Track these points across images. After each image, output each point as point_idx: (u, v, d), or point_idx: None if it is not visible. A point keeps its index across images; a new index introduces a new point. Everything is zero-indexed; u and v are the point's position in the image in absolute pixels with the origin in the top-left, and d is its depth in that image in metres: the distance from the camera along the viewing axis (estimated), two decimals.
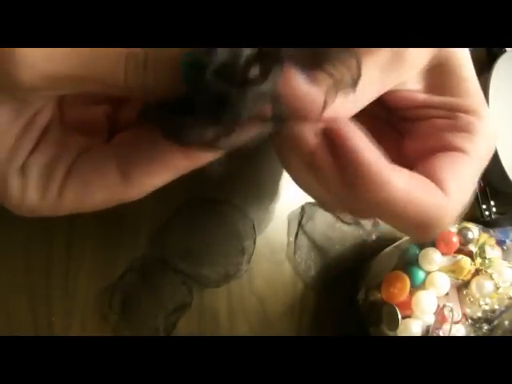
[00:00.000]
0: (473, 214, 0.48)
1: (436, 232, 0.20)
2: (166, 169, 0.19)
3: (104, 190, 0.20)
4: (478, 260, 0.35)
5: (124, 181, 0.20)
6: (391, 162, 0.19)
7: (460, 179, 0.20)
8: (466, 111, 0.22)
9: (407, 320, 0.35)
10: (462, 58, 0.21)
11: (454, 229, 0.37)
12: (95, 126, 0.22)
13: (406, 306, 0.35)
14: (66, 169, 0.20)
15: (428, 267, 0.35)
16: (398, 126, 0.24)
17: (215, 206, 0.38)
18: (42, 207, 0.20)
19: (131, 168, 0.20)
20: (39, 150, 0.20)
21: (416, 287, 0.35)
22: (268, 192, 0.40)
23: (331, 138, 0.18)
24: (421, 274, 0.35)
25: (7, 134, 0.19)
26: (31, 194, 0.20)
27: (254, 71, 0.16)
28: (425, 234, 0.20)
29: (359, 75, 0.17)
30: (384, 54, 0.19)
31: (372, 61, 0.19)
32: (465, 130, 0.21)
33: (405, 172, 0.19)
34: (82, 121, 0.22)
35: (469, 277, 0.35)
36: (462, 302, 0.35)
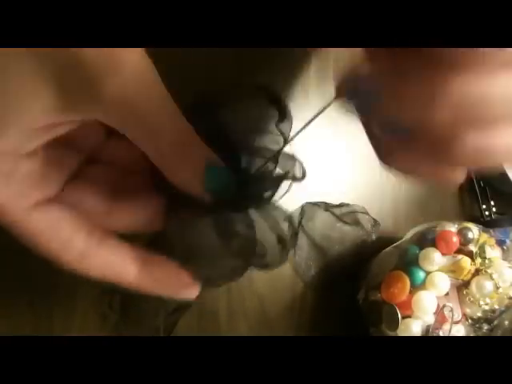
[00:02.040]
0: (473, 214, 0.48)
1: None
2: None
3: None
4: (478, 260, 0.35)
5: None
6: None
7: None
8: None
9: (407, 320, 0.35)
10: None
11: (453, 229, 0.37)
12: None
13: (406, 305, 0.35)
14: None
15: (428, 267, 0.35)
16: None
17: None
18: None
19: None
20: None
21: (416, 287, 0.35)
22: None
23: None
24: (421, 274, 0.35)
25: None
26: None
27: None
28: None
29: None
30: None
31: None
32: None
33: None
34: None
35: (469, 277, 0.35)
36: (462, 301, 0.35)
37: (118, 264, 0.21)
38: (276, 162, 0.21)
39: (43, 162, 0.20)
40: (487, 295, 0.34)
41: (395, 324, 0.35)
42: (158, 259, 0.23)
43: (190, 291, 0.24)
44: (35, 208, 0.20)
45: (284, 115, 0.22)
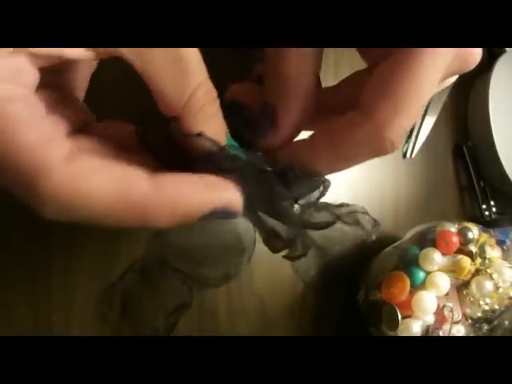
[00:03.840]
0: (473, 214, 0.48)
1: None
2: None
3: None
4: (478, 260, 0.35)
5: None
6: None
7: (390, 90, 0.18)
8: None
9: (407, 320, 0.35)
10: None
11: (453, 229, 0.37)
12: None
13: (406, 305, 0.35)
14: None
15: (428, 267, 0.35)
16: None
17: None
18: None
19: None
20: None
21: (416, 287, 0.35)
22: None
23: None
24: (421, 274, 0.35)
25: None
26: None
27: None
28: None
29: None
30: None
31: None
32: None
33: None
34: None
35: (469, 277, 0.35)
36: (462, 302, 0.35)
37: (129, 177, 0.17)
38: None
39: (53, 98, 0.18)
40: (487, 295, 0.34)
41: (395, 324, 0.35)
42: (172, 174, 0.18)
43: (230, 195, 0.18)
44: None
45: None
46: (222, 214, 0.18)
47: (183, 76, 0.16)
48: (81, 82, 0.21)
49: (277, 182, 0.20)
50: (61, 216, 0.17)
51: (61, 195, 0.16)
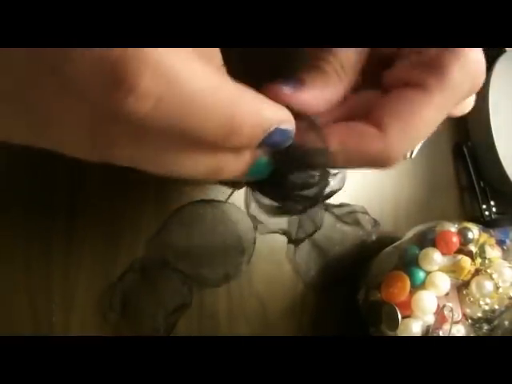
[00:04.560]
0: (473, 214, 0.48)
1: (384, 166, 0.20)
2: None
3: None
4: (478, 260, 0.35)
5: None
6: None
7: (405, 116, 0.20)
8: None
9: (407, 320, 0.35)
10: None
11: (453, 229, 0.37)
12: None
13: (406, 306, 0.35)
14: None
15: (428, 267, 0.35)
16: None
17: (215, 205, 0.38)
18: None
19: None
20: None
21: (416, 287, 0.35)
22: None
23: None
24: (421, 274, 0.35)
25: None
26: None
27: None
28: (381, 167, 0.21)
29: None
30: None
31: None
32: (431, 64, 0.20)
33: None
34: None
35: (469, 277, 0.35)
36: (462, 302, 0.35)
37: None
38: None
39: None
40: (487, 295, 0.34)
41: (395, 324, 0.35)
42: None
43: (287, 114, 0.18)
44: None
45: None
46: (280, 136, 0.18)
47: None
48: None
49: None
50: (153, 113, 0.14)
51: (159, 76, 0.14)
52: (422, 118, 0.20)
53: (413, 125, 0.20)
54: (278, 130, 0.17)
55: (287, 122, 0.18)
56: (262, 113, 0.16)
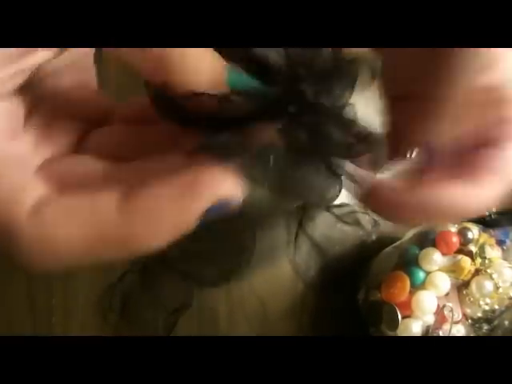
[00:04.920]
0: None
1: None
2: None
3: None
4: (478, 260, 0.35)
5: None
6: None
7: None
8: None
9: (407, 320, 0.35)
10: None
11: (453, 229, 0.37)
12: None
13: (406, 306, 0.35)
14: None
15: (428, 267, 0.35)
16: None
17: None
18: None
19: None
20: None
21: (416, 287, 0.35)
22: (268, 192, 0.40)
23: None
24: (421, 274, 0.35)
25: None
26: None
27: None
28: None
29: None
30: None
31: None
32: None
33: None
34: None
35: (469, 277, 0.35)
36: (462, 302, 0.35)
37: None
38: None
39: (10, 115, 0.17)
40: (487, 295, 0.34)
41: (395, 324, 0.35)
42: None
43: (219, 189, 0.15)
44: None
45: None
46: (220, 210, 0.16)
47: None
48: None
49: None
50: (47, 267, 0.15)
51: (36, 250, 0.15)
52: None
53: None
54: (211, 211, 0.15)
55: (223, 200, 0.15)
56: (172, 216, 0.15)
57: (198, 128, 0.17)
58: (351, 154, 0.18)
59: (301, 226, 0.40)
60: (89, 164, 0.18)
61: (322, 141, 0.17)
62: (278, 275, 0.40)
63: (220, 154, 0.16)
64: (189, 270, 0.37)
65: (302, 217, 0.40)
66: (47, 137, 0.18)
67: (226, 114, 0.16)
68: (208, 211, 0.15)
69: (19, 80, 0.16)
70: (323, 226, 0.41)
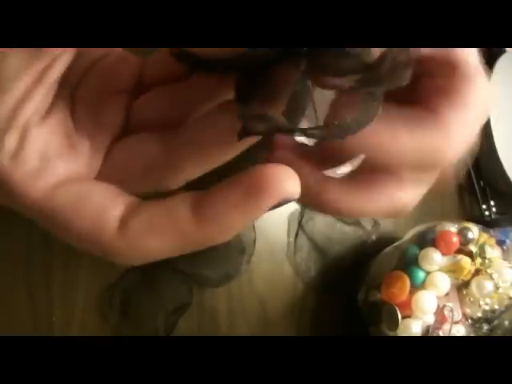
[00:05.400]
0: (473, 214, 0.48)
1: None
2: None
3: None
4: (478, 260, 0.35)
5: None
6: None
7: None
8: None
9: (407, 320, 0.35)
10: None
11: (453, 229, 0.37)
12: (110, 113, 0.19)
13: (406, 306, 0.35)
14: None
15: (428, 267, 0.35)
16: None
17: None
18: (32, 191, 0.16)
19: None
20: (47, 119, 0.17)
21: (416, 287, 0.35)
22: None
23: None
24: (421, 274, 0.35)
25: (14, 83, 0.16)
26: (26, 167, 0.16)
27: None
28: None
29: None
30: None
31: None
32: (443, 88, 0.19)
33: None
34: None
35: (469, 277, 0.35)
36: (462, 302, 0.35)
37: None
38: None
39: (61, 127, 0.17)
40: (487, 295, 0.34)
41: (395, 324, 0.35)
42: None
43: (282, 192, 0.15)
44: (61, 185, 0.16)
45: None
46: (279, 206, 0.16)
47: None
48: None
49: None
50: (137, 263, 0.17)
51: (131, 257, 0.16)
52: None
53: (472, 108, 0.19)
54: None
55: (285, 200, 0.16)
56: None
57: (227, 73, 0.17)
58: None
59: (301, 225, 0.40)
60: (146, 142, 0.18)
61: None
62: (277, 275, 0.40)
63: (257, 96, 0.16)
64: (189, 270, 0.37)
65: (301, 217, 0.40)
66: (98, 125, 0.18)
67: (247, 57, 0.16)
68: (273, 206, 0.15)
69: (53, 91, 0.17)
70: (323, 225, 0.41)
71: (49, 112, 0.17)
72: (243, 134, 0.16)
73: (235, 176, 0.16)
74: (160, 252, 0.16)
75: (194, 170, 0.18)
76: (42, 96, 0.16)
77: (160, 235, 0.16)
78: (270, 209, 0.15)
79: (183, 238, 0.16)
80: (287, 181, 0.15)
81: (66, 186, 0.16)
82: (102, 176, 0.18)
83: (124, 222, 0.16)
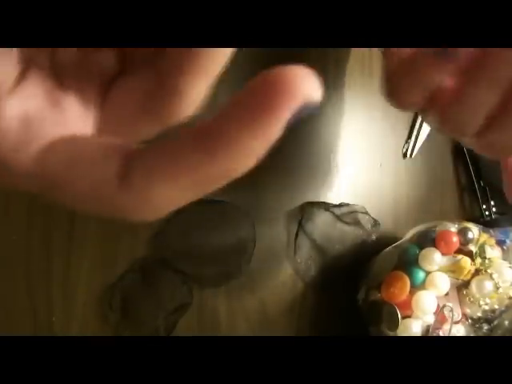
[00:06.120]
0: (473, 214, 0.48)
1: None
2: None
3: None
4: (478, 260, 0.35)
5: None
6: None
7: None
8: None
9: (407, 320, 0.35)
10: None
11: (453, 229, 0.37)
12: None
13: (406, 306, 0.35)
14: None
15: (428, 267, 0.35)
16: None
17: (215, 205, 0.38)
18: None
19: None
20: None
21: (416, 287, 0.35)
22: (268, 192, 0.40)
23: None
24: (421, 274, 0.35)
25: None
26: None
27: None
28: None
29: None
30: None
31: None
32: None
33: None
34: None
35: (469, 277, 0.35)
36: (462, 302, 0.35)
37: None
38: None
39: (39, 89, 0.16)
40: (487, 295, 0.34)
41: (395, 324, 0.35)
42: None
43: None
44: (52, 147, 0.15)
45: None
46: (301, 113, 0.13)
47: None
48: None
49: None
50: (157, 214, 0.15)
51: (140, 210, 0.15)
52: None
53: None
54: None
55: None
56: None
57: None
58: None
59: (301, 225, 0.40)
60: (143, 76, 0.17)
61: None
62: (277, 275, 0.40)
63: None
64: (189, 270, 0.37)
65: (302, 217, 0.40)
66: (83, 74, 0.17)
67: None
68: (294, 115, 0.13)
69: (16, 59, 0.16)
70: (323, 225, 0.41)
71: (21, 78, 0.15)
72: None
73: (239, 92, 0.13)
74: (171, 198, 0.14)
75: (199, 89, 0.15)
76: (2, 67, 0.15)
77: (167, 178, 0.14)
78: (287, 124, 0.13)
79: (194, 174, 0.14)
80: (308, 81, 0.13)
81: (58, 146, 0.15)
82: (103, 125, 0.17)
83: (124, 173, 0.14)
